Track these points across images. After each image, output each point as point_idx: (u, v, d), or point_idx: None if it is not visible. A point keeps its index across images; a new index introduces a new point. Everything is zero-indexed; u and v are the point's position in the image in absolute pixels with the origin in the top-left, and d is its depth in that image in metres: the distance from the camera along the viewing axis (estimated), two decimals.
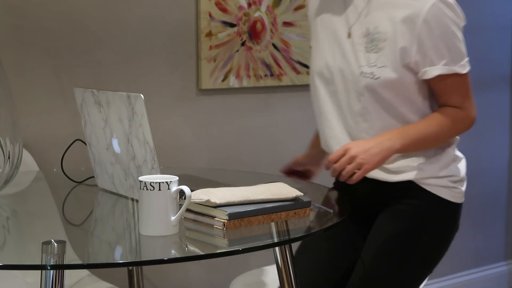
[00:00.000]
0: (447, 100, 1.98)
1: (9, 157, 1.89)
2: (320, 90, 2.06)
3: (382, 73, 1.92)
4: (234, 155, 2.53)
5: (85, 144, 2.09)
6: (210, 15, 2.76)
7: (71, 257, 1.47)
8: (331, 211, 1.89)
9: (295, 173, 2.22)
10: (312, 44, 2.13)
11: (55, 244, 1.41)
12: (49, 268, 1.44)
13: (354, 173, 1.87)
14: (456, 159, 2.06)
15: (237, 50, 2.84)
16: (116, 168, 1.94)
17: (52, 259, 1.41)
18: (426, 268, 2.04)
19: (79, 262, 1.54)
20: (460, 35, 1.95)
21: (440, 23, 1.90)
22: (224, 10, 2.79)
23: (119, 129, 1.88)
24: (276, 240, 1.72)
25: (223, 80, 2.82)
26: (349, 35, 1.98)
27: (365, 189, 2.01)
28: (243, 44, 2.85)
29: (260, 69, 2.89)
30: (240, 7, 2.83)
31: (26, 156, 2.35)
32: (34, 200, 2.10)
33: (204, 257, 1.67)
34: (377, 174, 1.97)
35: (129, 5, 2.63)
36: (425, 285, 2.20)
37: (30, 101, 2.47)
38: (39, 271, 1.47)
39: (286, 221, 1.71)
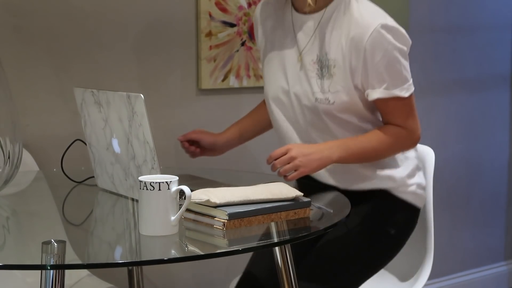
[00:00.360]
0: (390, 119, 2.04)
1: (9, 157, 1.89)
2: (278, 114, 2.14)
3: (336, 98, 1.99)
4: (234, 155, 2.53)
5: (85, 144, 2.09)
6: (210, 15, 2.76)
7: (71, 257, 1.47)
8: (331, 211, 1.89)
9: (190, 142, 2.24)
10: (263, 70, 2.19)
11: (55, 244, 1.41)
12: (49, 268, 1.44)
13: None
14: (419, 168, 2.16)
15: (237, 50, 2.84)
16: (116, 168, 1.94)
17: (52, 259, 1.41)
18: (378, 265, 2.10)
19: (79, 262, 1.54)
20: (402, 59, 1.98)
21: (380, 49, 1.94)
22: (224, 10, 2.79)
23: (119, 129, 1.88)
24: (276, 240, 1.71)
25: (223, 80, 2.82)
26: (300, 60, 2.04)
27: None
28: (243, 44, 2.85)
29: (260, 69, 2.89)
30: (240, 7, 2.83)
31: (26, 156, 2.35)
32: (34, 200, 2.10)
33: (204, 257, 1.67)
34: (349, 185, 2.07)
35: (129, 5, 2.63)
36: (425, 285, 2.21)
37: (30, 101, 2.47)
38: (39, 271, 1.47)
39: (286, 221, 1.71)
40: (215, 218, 1.65)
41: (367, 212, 2.07)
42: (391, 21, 1.97)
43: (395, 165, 2.08)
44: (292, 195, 1.75)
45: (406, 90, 1.99)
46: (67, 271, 1.50)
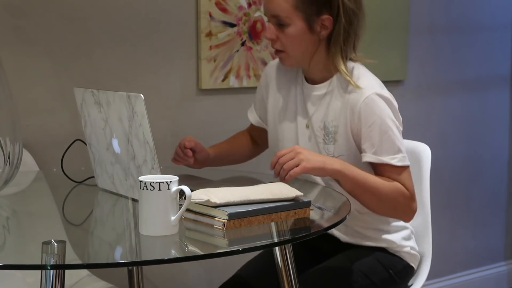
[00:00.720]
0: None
1: (9, 157, 1.89)
2: None
3: None
4: None
5: (85, 144, 2.09)
6: (210, 15, 2.76)
7: (71, 257, 1.47)
8: (331, 211, 1.89)
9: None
10: (270, 117, 2.23)
11: (55, 244, 1.41)
12: (49, 268, 1.44)
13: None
14: (413, 233, 2.23)
15: (237, 50, 2.84)
16: (116, 168, 1.94)
17: (52, 259, 1.41)
18: None
19: (79, 262, 1.54)
20: (395, 130, 2.01)
21: (373, 113, 1.99)
22: (224, 10, 2.79)
23: (119, 129, 1.88)
24: (276, 240, 1.71)
25: (223, 80, 2.82)
26: (308, 127, 2.12)
27: (329, 247, 2.15)
28: (243, 44, 2.85)
29: (260, 69, 2.89)
30: (240, 7, 2.83)
31: (26, 156, 2.35)
32: (34, 200, 2.10)
33: (204, 257, 1.67)
34: (349, 239, 2.13)
35: (129, 5, 2.63)
36: (425, 285, 2.21)
37: (30, 101, 2.47)
38: (39, 271, 1.47)
39: (286, 221, 1.71)
40: (215, 218, 1.65)
41: (367, 259, 2.12)
42: (386, 93, 2.04)
43: (392, 231, 2.16)
44: (292, 195, 1.75)
45: (398, 160, 2.00)
46: (67, 271, 1.50)
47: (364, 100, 2.00)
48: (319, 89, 2.11)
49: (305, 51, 2.06)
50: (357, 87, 2.02)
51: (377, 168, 2.03)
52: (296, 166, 1.90)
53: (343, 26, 2.03)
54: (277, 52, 2.09)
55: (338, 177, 1.96)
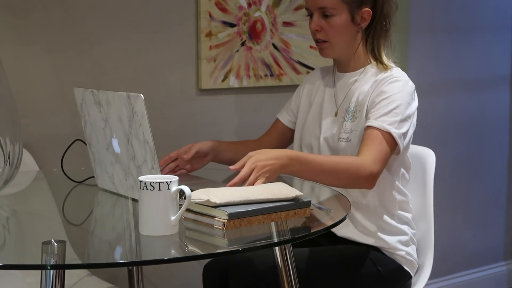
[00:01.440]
0: (362, 147, 2.06)
1: (9, 157, 1.89)
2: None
3: (353, 137, 2.14)
4: None
5: (85, 144, 2.09)
6: (210, 15, 2.76)
7: (71, 257, 1.47)
8: (331, 211, 1.89)
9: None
10: (300, 116, 2.32)
11: (55, 244, 1.41)
12: (49, 268, 1.44)
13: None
14: (414, 242, 2.25)
15: (237, 50, 2.84)
16: (116, 168, 1.94)
17: (52, 259, 1.41)
18: None
19: (79, 262, 1.54)
20: (407, 111, 2.09)
21: (392, 90, 2.10)
22: (224, 10, 2.79)
23: (119, 129, 1.88)
24: (276, 240, 1.71)
25: (223, 80, 2.82)
26: (336, 114, 2.22)
27: (325, 242, 2.18)
28: (243, 44, 2.85)
29: (260, 69, 2.89)
30: (240, 7, 2.83)
31: (26, 156, 2.35)
32: (34, 200, 2.10)
33: (204, 257, 1.67)
34: (349, 233, 2.16)
35: (129, 5, 2.63)
36: (425, 285, 2.21)
37: (30, 101, 2.47)
38: (39, 271, 1.47)
39: (286, 221, 1.71)
40: (215, 218, 1.65)
41: (358, 252, 2.15)
42: (413, 85, 2.17)
43: (389, 232, 2.17)
44: (292, 195, 1.75)
45: (394, 132, 2.04)
46: (67, 271, 1.50)
47: (390, 80, 2.13)
48: (351, 76, 2.23)
49: (347, 41, 2.19)
50: (390, 72, 2.16)
51: (366, 133, 2.06)
52: (258, 180, 1.87)
53: (382, 20, 2.19)
54: (320, 43, 2.20)
55: (291, 163, 1.92)
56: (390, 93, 2.10)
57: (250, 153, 1.91)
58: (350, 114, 2.17)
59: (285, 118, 2.39)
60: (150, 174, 1.75)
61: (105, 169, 2.00)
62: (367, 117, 2.11)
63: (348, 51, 2.21)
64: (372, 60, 2.21)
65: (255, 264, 2.05)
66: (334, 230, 2.16)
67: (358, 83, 2.20)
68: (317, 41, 2.21)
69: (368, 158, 2.00)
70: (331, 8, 2.14)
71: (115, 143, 1.91)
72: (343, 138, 2.16)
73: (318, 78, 2.34)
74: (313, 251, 2.13)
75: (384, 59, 2.20)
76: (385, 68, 2.17)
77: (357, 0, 2.15)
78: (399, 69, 2.20)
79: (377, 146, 2.03)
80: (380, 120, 2.06)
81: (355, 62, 2.23)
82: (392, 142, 2.05)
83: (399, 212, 2.18)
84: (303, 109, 2.33)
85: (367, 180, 2.00)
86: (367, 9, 2.16)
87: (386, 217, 2.16)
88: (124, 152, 1.88)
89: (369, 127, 2.06)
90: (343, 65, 2.26)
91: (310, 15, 2.20)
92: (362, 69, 2.21)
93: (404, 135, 2.07)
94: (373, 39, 2.20)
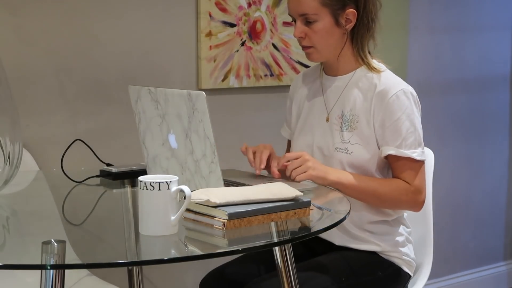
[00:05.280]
0: (399, 176, 2.11)
1: (9, 157, 1.89)
2: None
3: (354, 149, 2.11)
4: (234, 155, 2.52)
5: (85, 144, 2.09)
6: (210, 15, 2.76)
7: (71, 257, 1.47)
8: (331, 211, 1.89)
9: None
10: (293, 126, 2.30)
11: (55, 244, 1.41)
12: (49, 268, 1.44)
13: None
14: (410, 241, 2.23)
15: (237, 50, 2.84)
16: (171, 162, 1.95)
17: (52, 259, 1.41)
18: None
19: (79, 262, 1.54)
20: (418, 126, 2.11)
21: (401, 108, 2.08)
22: (224, 10, 2.79)
23: (177, 125, 1.90)
24: (276, 240, 1.71)
25: (223, 80, 2.82)
26: (327, 120, 2.18)
27: (323, 249, 2.18)
28: (243, 44, 2.85)
29: (260, 69, 2.89)
30: (240, 7, 2.83)
31: (26, 156, 2.35)
32: (34, 200, 2.10)
33: (204, 257, 1.66)
34: (340, 239, 2.15)
35: (128, 5, 2.63)
36: (425, 285, 2.21)
37: (30, 101, 2.47)
38: (39, 271, 1.47)
39: (286, 221, 1.71)
40: (215, 218, 1.65)
41: (357, 259, 2.15)
42: (413, 91, 2.13)
43: (384, 235, 2.17)
44: (292, 195, 1.75)
45: (418, 155, 2.08)
46: (67, 271, 1.50)
47: (395, 93, 2.08)
48: (340, 80, 2.19)
49: (332, 44, 2.14)
50: (384, 79, 2.11)
51: (394, 161, 2.09)
52: (303, 172, 2.01)
53: (367, 19, 2.13)
54: (306, 48, 2.17)
55: (337, 187, 2.05)
56: (398, 113, 2.08)
57: (305, 152, 2.06)
58: (347, 124, 2.13)
59: (286, 133, 2.38)
60: (209, 168, 1.79)
61: (159, 164, 2.00)
62: (383, 139, 2.09)
63: (336, 54, 2.16)
64: (361, 63, 2.16)
65: (252, 281, 2.04)
66: (331, 240, 2.16)
67: (349, 87, 2.15)
68: (303, 47, 2.18)
69: (415, 187, 2.08)
70: (313, 14, 2.09)
71: (171, 139, 1.93)
72: (341, 149, 2.12)
73: (303, 85, 2.30)
74: (312, 262, 2.12)
75: (374, 61, 2.16)
76: (376, 71, 2.13)
77: (339, 2, 2.10)
78: (390, 72, 2.16)
79: (418, 175, 2.09)
80: (411, 151, 2.07)
81: (344, 65, 2.17)
82: (423, 165, 2.11)
83: (392, 213, 2.18)
84: (294, 120, 2.31)
85: (416, 207, 2.13)
86: (351, 10, 2.11)
87: (380, 221, 2.15)
88: (182, 147, 1.89)
89: (402, 157, 2.07)
90: (331, 68, 2.21)
91: (294, 21, 2.15)
92: (352, 72, 2.17)
93: (422, 147, 2.11)
94: (358, 39, 2.15)
